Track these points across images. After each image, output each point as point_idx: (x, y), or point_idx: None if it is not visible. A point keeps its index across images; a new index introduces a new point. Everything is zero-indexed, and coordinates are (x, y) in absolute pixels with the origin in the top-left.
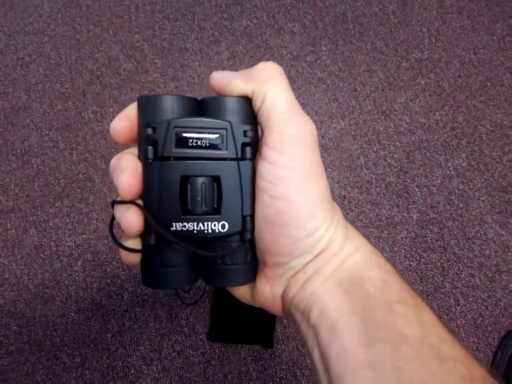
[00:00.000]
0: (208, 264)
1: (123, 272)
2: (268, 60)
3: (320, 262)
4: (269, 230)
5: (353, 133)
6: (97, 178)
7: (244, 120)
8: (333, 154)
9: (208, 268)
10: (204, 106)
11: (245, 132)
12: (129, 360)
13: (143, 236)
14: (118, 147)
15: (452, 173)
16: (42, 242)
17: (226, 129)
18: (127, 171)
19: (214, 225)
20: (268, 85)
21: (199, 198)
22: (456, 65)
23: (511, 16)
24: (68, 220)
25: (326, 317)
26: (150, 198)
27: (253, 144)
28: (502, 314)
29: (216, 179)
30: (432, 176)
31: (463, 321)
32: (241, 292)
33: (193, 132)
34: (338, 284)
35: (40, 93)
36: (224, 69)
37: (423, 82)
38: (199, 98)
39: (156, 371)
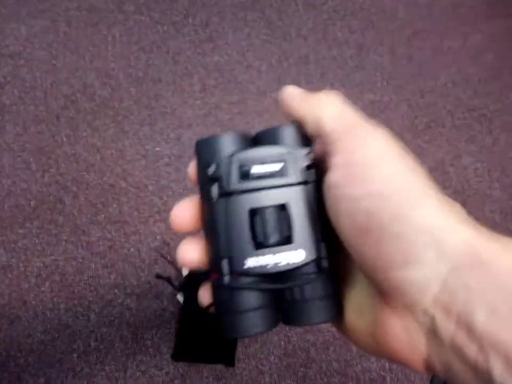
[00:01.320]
0: (287, 304)
1: (90, 294)
2: (237, 93)
3: (465, 273)
4: (365, 241)
5: None
6: (68, 200)
7: (300, 145)
8: None
9: (288, 307)
10: (259, 139)
11: (305, 155)
12: (94, 380)
13: (213, 284)
14: (90, 169)
15: None
16: (11, 263)
17: (287, 154)
18: (181, 203)
19: (289, 255)
20: (321, 107)
21: (270, 229)
22: (405, 107)
23: (452, 66)
24: (37, 241)
25: None
26: (218, 237)
27: (315, 166)
28: None
29: (284, 207)
30: None
31: None
32: (362, 339)
33: (256, 162)
34: None
35: (14, 115)
36: (195, 100)
37: (374, 122)
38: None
39: None
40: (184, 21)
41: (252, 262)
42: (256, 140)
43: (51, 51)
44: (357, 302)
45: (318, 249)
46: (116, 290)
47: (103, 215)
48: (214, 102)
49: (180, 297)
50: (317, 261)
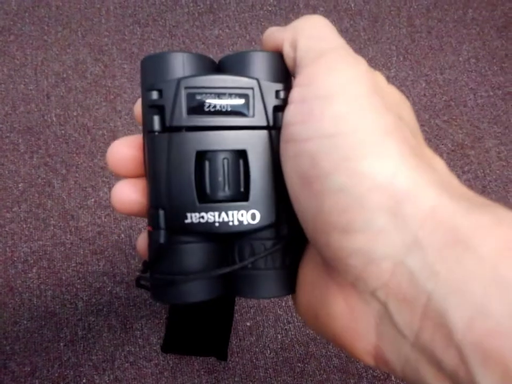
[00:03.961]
0: (235, 270)
1: (78, 281)
2: None
3: (434, 255)
4: (307, 194)
5: None
6: (57, 183)
7: (274, 78)
8: None
9: (236, 275)
10: (223, 66)
11: (277, 92)
12: (81, 369)
13: (150, 234)
14: (80, 151)
15: None
16: None
17: (253, 88)
18: (122, 139)
19: (242, 214)
20: (300, 30)
21: (220, 179)
22: (422, 84)
23: (476, 39)
24: (24, 226)
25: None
26: (156, 181)
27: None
28: None
29: (242, 154)
30: None
31: None
32: (311, 320)
33: (211, 94)
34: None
35: (3, 94)
36: None
37: None
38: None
39: (107, 381)
40: None
41: (195, 218)
42: (220, 66)
43: (42, 26)
44: (309, 275)
45: (277, 212)
46: (105, 278)
47: (92, 199)
48: None
49: None
50: (275, 226)
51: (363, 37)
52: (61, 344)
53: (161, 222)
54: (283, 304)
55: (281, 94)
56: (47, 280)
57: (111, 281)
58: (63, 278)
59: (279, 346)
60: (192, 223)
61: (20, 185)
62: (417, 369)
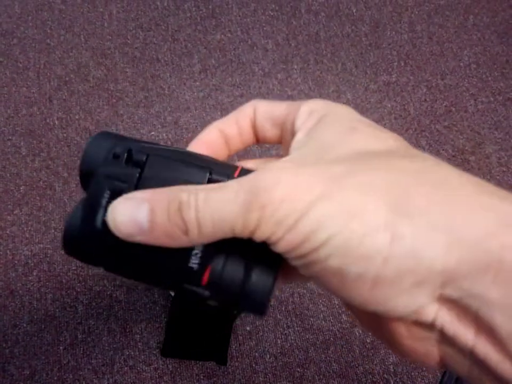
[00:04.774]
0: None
1: (78, 284)
2: (239, 74)
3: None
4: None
5: None
6: (58, 186)
7: None
8: None
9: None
10: None
11: None
12: (81, 373)
13: None
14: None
15: None
16: None
17: None
18: None
19: None
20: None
21: None
22: (423, 90)
23: (477, 45)
24: (25, 228)
25: None
26: None
27: None
28: None
29: None
30: None
31: None
32: (366, 322)
33: None
34: None
35: (6, 97)
36: (195, 81)
37: (389, 105)
38: None
39: None
40: None
41: None
42: None
43: (45, 29)
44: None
45: None
46: (105, 282)
47: None
48: (214, 84)
49: (171, 291)
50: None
51: (364, 42)
52: (61, 347)
53: None
54: (283, 308)
55: None
56: (47, 283)
57: (111, 285)
58: (63, 281)
59: (278, 351)
60: None
61: (21, 188)
62: (481, 380)
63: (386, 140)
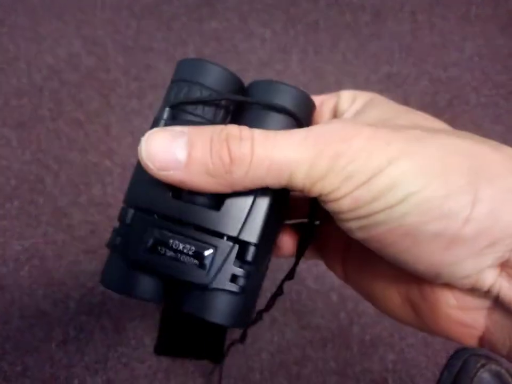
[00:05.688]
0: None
1: (70, 280)
2: (236, 64)
3: None
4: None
5: None
6: (49, 180)
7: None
8: None
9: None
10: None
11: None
12: (73, 370)
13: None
14: (73, 147)
15: None
16: None
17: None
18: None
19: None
20: None
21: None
22: (425, 82)
23: (479, 36)
24: (16, 223)
25: None
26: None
27: None
28: None
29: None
30: None
31: (414, 340)
32: (397, 310)
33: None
34: None
35: None
36: None
37: (390, 97)
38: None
39: (100, 382)
40: None
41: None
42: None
43: (36, 17)
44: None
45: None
46: (97, 278)
47: (85, 197)
48: None
49: None
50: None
51: (365, 32)
52: (53, 344)
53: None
54: (280, 306)
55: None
56: (38, 278)
57: None
58: (55, 276)
59: (275, 349)
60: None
61: (11, 182)
62: None
63: (439, 123)
